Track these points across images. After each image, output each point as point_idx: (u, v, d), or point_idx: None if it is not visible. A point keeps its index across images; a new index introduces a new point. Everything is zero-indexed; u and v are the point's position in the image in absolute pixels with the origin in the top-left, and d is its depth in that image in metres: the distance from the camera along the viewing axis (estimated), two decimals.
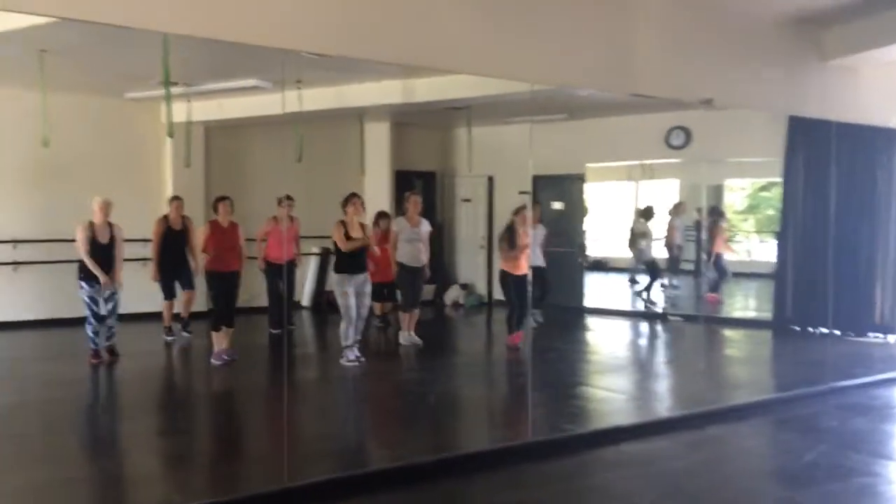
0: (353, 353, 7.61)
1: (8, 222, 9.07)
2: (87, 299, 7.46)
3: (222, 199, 7.99)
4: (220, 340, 7.66)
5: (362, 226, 7.69)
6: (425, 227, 8.74)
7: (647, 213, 11.37)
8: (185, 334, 8.72)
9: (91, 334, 7.48)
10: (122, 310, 7.83)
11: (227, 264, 7.77)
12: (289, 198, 8.69)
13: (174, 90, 6.91)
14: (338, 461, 5.12)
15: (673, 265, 11.47)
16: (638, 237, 11.49)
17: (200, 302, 8.74)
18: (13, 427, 5.73)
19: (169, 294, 8.59)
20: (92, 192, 7.96)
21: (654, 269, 11.29)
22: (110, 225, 7.56)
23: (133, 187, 9.20)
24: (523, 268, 8.21)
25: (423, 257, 8.60)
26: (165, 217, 8.53)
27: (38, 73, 7.01)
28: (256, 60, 6.98)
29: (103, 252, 7.47)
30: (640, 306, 11.77)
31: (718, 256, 10.58)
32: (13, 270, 9.12)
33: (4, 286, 9.14)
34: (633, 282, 12.26)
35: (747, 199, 12.51)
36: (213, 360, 7.65)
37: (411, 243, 8.50)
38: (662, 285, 11.54)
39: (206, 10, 4.07)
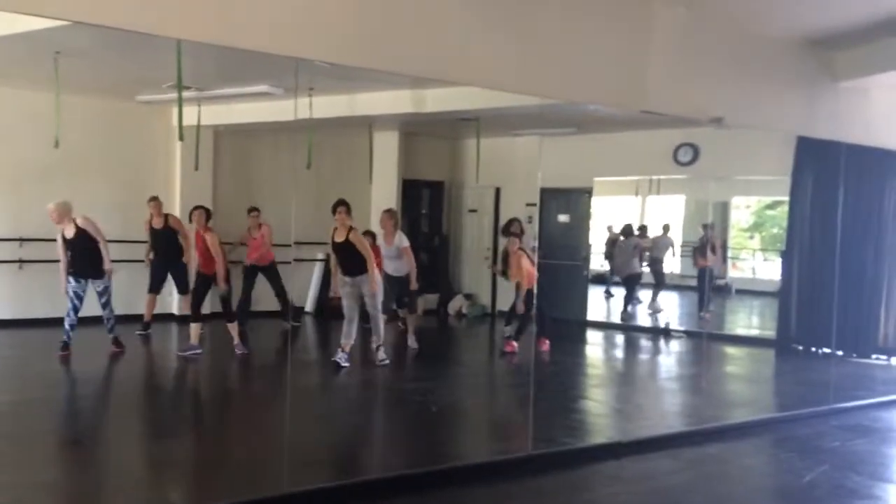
0: (341, 354, 7.70)
1: (15, 220, 9.14)
2: (71, 293, 7.66)
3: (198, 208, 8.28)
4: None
5: (350, 230, 7.67)
6: (400, 241, 8.61)
7: (627, 231, 11.59)
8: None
9: (67, 327, 7.69)
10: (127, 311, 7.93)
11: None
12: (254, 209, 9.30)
13: (185, 94, 6.95)
14: (335, 469, 5.12)
15: (659, 280, 11.59)
16: (618, 251, 11.64)
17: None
18: (13, 426, 5.74)
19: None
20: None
21: (632, 284, 11.50)
22: (74, 221, 7.69)
23: (142, 189, 9.26)
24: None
25: (405, 268, 8.63)
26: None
27: (51, 74, 7.07)
28: (268, 67, 7.03)
29: (75, 246, 7.64)
30: (644, 321, 11.82)
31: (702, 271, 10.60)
32: (18, 268, 9.18)
33: (9, 284, 9.20)
34: (609, 294, 12.31)
35: (753, 216, 12.51)
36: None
37: (391, 259, 8.57)
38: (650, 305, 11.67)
39: (219, 16, 4.10)
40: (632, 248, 11.39)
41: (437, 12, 4.80)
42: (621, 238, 11.64)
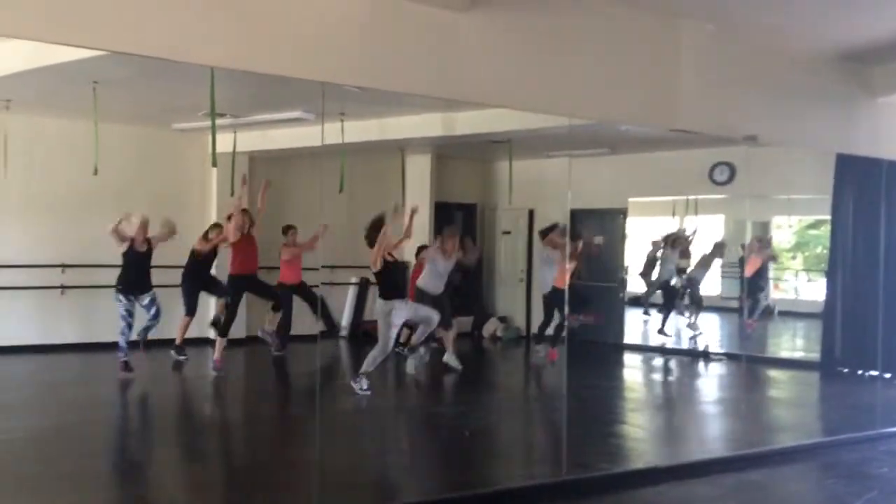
0: (364, 382, 7.51)
1: (57, 247, 9.32)
2: (123, 312, 7.86)
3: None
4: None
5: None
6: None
7: (671, 239, 11.30)
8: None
9: (124, 345, 7.85)
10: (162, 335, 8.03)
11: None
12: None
13: (220, 121, 7.05)
14: (367, 493, 5.08)
15: (695, 300, 11.33)
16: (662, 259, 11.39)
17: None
18: (50, 450, 5.78)
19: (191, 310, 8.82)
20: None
21: (671, 295, 11.20)
22: (149, 240, 8.05)
23: (178, 216, 9.33)
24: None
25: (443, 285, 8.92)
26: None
27: (90, 103, 7.22)
28: (300, 93, 7.08)
29: (139, 261, 7.92)
30: (683, 343, 11.60)
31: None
32: (60, 294, 9.34)
33: (51, 309, 9.37)
34: (647, 314, 12.03)
35: (795, 236, 12.27)
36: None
37: (440, 277, 8.74)
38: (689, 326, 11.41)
39: (251, 44, 4.15)
40: (676, 258, 11.14)
41: (465, 36, 4.80)
42: (662, 245, 11.39)
